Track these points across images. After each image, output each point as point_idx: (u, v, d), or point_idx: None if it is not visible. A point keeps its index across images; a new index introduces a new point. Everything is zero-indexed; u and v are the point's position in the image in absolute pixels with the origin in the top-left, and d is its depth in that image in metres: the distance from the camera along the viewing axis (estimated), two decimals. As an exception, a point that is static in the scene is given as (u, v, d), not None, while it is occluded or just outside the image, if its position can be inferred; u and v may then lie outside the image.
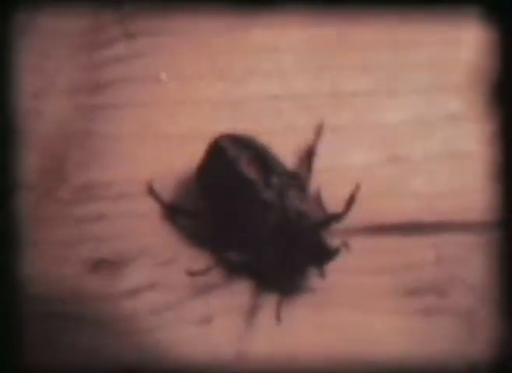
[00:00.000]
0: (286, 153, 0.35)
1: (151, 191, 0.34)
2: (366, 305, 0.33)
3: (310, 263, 0.33)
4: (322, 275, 0.33)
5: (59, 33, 0.36)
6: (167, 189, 0.34)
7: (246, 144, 0.33)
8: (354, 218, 0.34)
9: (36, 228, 0.34)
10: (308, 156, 0.34)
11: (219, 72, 0.36)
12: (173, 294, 0.33)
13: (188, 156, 0.35)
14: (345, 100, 0.36)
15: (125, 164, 0.35)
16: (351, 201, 0.32)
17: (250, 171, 0.33)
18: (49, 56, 0.36)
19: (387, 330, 0.33)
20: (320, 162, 0.35)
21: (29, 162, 0.35)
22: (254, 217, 0.32)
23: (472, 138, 0.35)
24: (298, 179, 0.33)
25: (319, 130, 0.35)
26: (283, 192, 0.33)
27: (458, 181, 0.35)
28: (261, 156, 0.33)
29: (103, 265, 0.34)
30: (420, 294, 0.34)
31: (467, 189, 0.35)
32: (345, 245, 0.33)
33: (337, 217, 0.33)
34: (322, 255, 0.32)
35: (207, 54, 0.36)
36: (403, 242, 0.34)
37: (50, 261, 0.34)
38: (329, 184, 0.34)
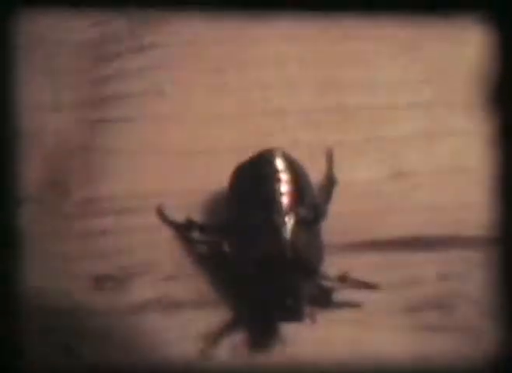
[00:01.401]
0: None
1: (160, 214, 0.34)
2: (368, 321, 0.33)
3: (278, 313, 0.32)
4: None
5: (63, 47, 0.36)
6: (170, 203, 0.34)
7: (289, 164, 0.33)
8: (357, 233, 0.34)
9: (39, 242, 0.34)
10: (328, 183, 0.34)
11: (224, 86, 0.36)
12: (177, 310, 0.33)
13: (190, 170, 0.35)
14: (349, 115, 0.36)
15: (129, 178, 0.35)
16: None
17: (279, 192, 0.32)
18: (52, 70, 0.36)
19: (390, 346, 0.33)
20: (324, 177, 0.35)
21: (33, 176, 0.35)
22: (262, 238, 0.32)
23: (476, 153, 0.35)
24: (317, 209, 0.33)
25: (329, 158, 0.35)
26: (297, 229, 0.32)
27: (462, 196, 0.35)
28: (297, 180, 0.33)
29: (107, 280, 0.34)
30: (423, 309, 0.34)
31: (470, 205, 0.35)
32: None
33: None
34: (285, 313, 0.32)
35: (212, 67, 0.36)
36: (406, 258, 0.34)
37: (54, 276, 0.34)
38: (334, 199, 0.34)
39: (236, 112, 0.36)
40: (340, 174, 0.35)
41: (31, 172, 0.35)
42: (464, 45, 0.36)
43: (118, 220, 0.34)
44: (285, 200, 0.32)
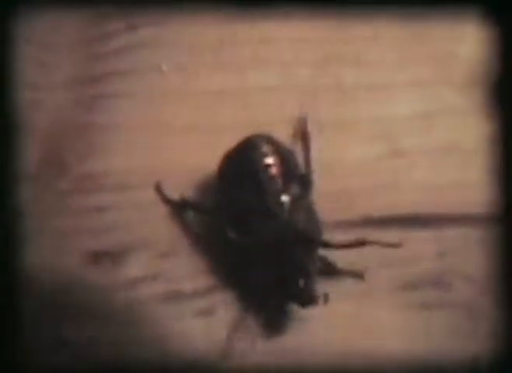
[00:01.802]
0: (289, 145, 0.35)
1: (159, 191, 0.34)
2: (367, 298, 0.33)
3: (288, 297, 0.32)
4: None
5: (59, 25, 0.36)
6: (168, 180, 0.34)
7: (276, 147, 0.33)
8: (355, 211, 0.34)
9: (36, 219, 0.34)
10: (305, 162, 0.34)
11: (220, 63, 0.36)
12: (173, 286, 0.33)
13: (189, 147, 0.35)
14: (346, 93, 0.36)
15: (125, 155, 0.35)
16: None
17: (269, 176, 0.32)
18: (49, 48, 0.36)
19: (388, 323, 0.33)
20: (321, 156, 0.35)
21: (29, 154, 0.34)
22: (259, 222, 0.32)
23: (473, 132, 0.35)
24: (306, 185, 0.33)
25: (305, 135, 0.35)
26: (293, 207, 0.32)
27: (460, 175, 0.35)
28: (284, 162, 0.33)
29: (104, 256, 0.33)
30: (421, 287, 0.34)
31: (468, 183, 0.34)
32: (326, 297, 0.32)
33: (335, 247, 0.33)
34: (300, 299, 0.32)
35: (208, 45, 0.36)
36: (404, 236, 0.34)
37: (50, 252, 0.34)
38: (331, 177, 0.34)
39: (234, 89, 0.35)
40: (337, 152, 0.35)
41: (28, 149, 0.34)
42: (465, 29, 0.36)
43: (115, 196, 0.34)
44: (275, 182, 0.32)
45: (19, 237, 0.33)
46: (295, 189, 0.33)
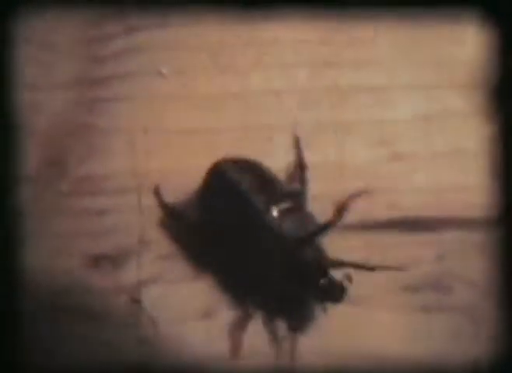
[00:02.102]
0: (287, 148, 0.35)
1: (157, 195, 0.34)
2: (367, 301, 0.33)
3: (313, 298, 0.32)
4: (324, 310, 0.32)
5: (60, 27, 0.36)
6: (168, 183, 0.34)
7: (246, 167, 0.33)
8: (355, 215, 0.34)
9: (35, 221, 0.34)
10: (300, 169, 0.34)
11: (220, 66, 0.36)
12: (173, 288, 0.33)
13: (189, 150, 0.35)
14: (347, 96, 0.36)
15: (125, 158, 0.35)
16: (343, 208, 0.33)
17: (251, 194, 0.32)
18: (50, 49, 0.36)
19: (388, 326, 0.33)
20: (322, 159, 0.35)
21: (29, 155, 0.34)
22: (254, 241, 0.32)
23: (473, 135, 0.35)
24: (296, 197, 0.33)
25: (297, 144, 0.35)
26: (282, 216, 0.32)
27: (460, 178, 0.35)
28: (260, 179, 0.33)
29: (103, 259, 0.33)
30: (422, 290, 0.34)
31: (469, 186, 0.35)
32: (349, 278, 0.32)
33: (329, 224, 0.32)
34: (330, 295, 0.32)
35: (208, 48, 0.36)
36: (404, 239, 0.34)
37: (50, 254, 0.33)
38: (331, 180, 0.34)
39: (235, 92, 0.35)
40: (337, 155, 0.35)
41: (28, 151, 0.34)
42: (465, 31, 0.36)
43: (115, 199, 0.34)
44: (260, 198, 0.32)
45: (18, 238, 0.33)
46: (284, 201, 0.32)
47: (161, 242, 0.34)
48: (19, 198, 0.34)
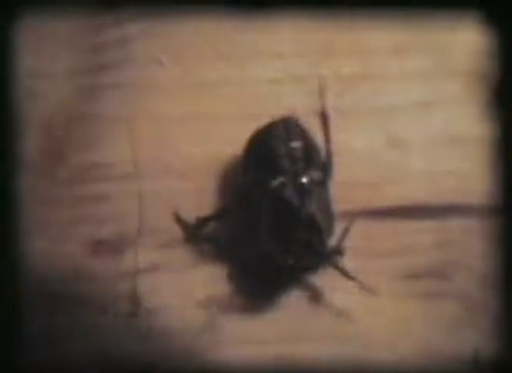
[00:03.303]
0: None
1: (178, 220, 0.34)
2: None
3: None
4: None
5: (60, 15, 0.36)
6: (167, 170, 0.34)
7: (300, 131, 0.33)
8: (355, 202, 0.34)
9: (35, 209, 0.34)
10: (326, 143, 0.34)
11: (219, 55, 0.36)
12: (174, 275, 0.33)
13: (189, 137, 0.35)
14: (346, 84, 0.36)
15: (125, 145, 0.35)
16: (345, 233, 0.33)
17: (291, 159, 0.33)
18: (49, 37, 0.36)
19: (389, 313, 0.33)
20: (321, 147, 0.35)
21: (30, 143, 0.34)
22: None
23: (473, 122, 0.35)
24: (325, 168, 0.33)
25: (324, 120, 0.35)
26: (310, 196, 0.32)
27: (459, 165, 0.35)
28: (307, 146, 0.33)
29: (104, 246, 0.34)
30: (421, 277, 0.34)
31: (468, 174, 0.35)
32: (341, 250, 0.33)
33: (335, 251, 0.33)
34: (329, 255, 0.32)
35: (207, 36, 0.36)
36: (404, 226, 0.34)
37: (50, 241, 0.34)
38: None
39: (234, 81, 0.35)
40: (336, 143, 0.35)
41: (28, 139, 0.34)
42: (463, 19, 0.36)
43: (115, 186, 0.34)
44: (296, 165, 0.33)
45: (17, 226, 0.33)
46: (315, 174, 0.33)
47: (161, 230, 0.34)
48: (19, 186, 0.34)
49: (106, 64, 0.35)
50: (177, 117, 0.35)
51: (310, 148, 0.33)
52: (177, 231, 0.34)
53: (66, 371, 0.33)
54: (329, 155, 0.34)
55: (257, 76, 0.36)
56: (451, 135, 0.35)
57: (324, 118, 0.35)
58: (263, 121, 0.34)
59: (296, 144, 0.33)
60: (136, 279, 0.33)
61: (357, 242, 0.33)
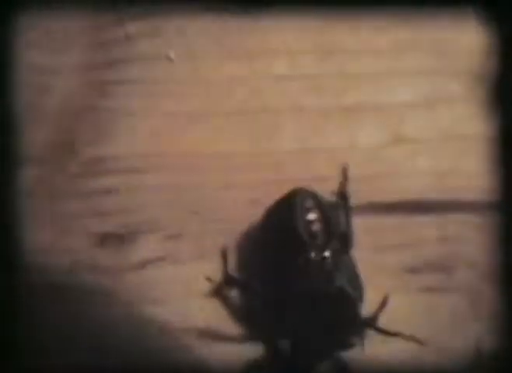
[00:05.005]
0: (292, 133, 0.35)
1: (224, 256, 0.34)
2: (370, 282, 0.34)
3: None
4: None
5: (70, 11, 0.36)
6: (176, 165, 0.35)
7: (318, 202, 0.33)
8: (360, 197, 0.35)
9: (44, 201, 0.34)
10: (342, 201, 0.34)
11: (227, 51, 0.36)
12: (180, 268, 0.34)
13: (197, 133, 0.35)
14: (351, 81, 0.36)
15: (133, 139, 0.35)
16: (382, 307, 0.33)
17: (311, 232, 0.32)
18: (60, 33, 0.36)
19: (391, 307, 0.33)
20: (326, 144, 0.35)
21: (40, 137, 0.35)
22: (299, 277, 0.32)
23: (474, 120, 0.36)
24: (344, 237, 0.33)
25: (344, 194, 0.35)
26: (335, 263, 0.32)
27: (461, 162, 0.35)
28: (326, 218, 0.33)
29: (112, 238, 0.34)
30: (424, 271, 0.34)
31: (470, 170, 0.35)
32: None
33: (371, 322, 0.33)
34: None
35: (215, 33, 0.36)
36: (407, 221, 0.35)
37: (59, 234, 0.34)
38: (334, 164, 0.35)
39: (242, 78, 0.36)
40: (341, 139, 0.35)
41: (37, 132, 0.35)
42: (466, 19, 0.37)
43: (123, 179, 0.35)
44: (317, 238, 0.32)
45: (27, 218, 0.34)
46: (336, 244, 0.33)
47: (167, 222, 0.34)
48: (28, 179, 0.34)
49: (116, 60, 0.36)
50: (184, 113, 0.35)
51: (327, 219, 0.33)
52: (184, 224, 0.34)
53: (70, 362, 0.33)
54: (349, 228, 0.33)
55: (264, 73, 0.36)
56: (453, 133, 0.36)
57: (345, 199, 0.34)
58: (270, 118, 0.34)
59: (313, 216, 0.32)
60: (143, 270, 0.34)
61: (361, 237, 0.34)
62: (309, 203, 0.33)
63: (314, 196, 0.33)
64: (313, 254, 0.32)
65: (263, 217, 0.33)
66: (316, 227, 0.32)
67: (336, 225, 0.33)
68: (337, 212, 0.34)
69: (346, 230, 0.33)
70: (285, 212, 0.33)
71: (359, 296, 0.32)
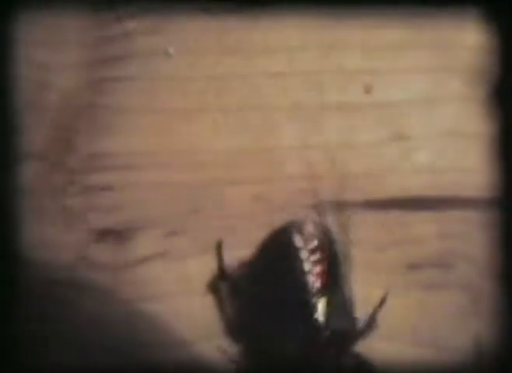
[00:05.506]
0: (291, 129, 0.35)
1: (218, 249, 0.34)
2: (369, 279, 0.34)
3: None
4: None
5: (69, 9, 0.36)
6: (174, 162, 0.35)
7: (321, 243, 0.33)
8: (359, 194, 0.35)
9: (44, 197, 0.34)
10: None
11: (226, 48, 0.36)
12: (180, 264, 0.34)
13: (195, 130, 0.35)
14: (350, 78, 0.36)
15: (133, 136, 0.35)
16: (381, 304, 0.33)
17: (305, 274, 0.32)
18: (59, 30, 0.36)
19: (391, 303, 0.33)
20: (325, 140, 0.35)
21: (39, 133, 0.35)
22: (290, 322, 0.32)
23: (475, 117, 0.36)
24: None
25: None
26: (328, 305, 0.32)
27: (460, 159, 0.35)
28: (329, 260, 0.32)
29: (110, 234, 0.34)
30: (423, 268, 0.34)
31: (469, 167, 0.35)
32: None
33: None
34: None
35: (215, 30, 0.36)
36: (407, 217, 0.35)
37: (58, 230, 0.34)
38: (335, 161, 0.35)
39: (241, 74, 0.36)
40: (341, 136, 0.35)
41: (37, 128, 0.35)
42: (467, 17, 0.37)
43: (122, 176, 0.35)
44: (313, 281, 0.32)
45: (27, 214, 0.34)
46: (336, 298, 0.32)
47: (168, 218, 0.34)
48: (27, 174, 0.34)
49: (115, 57, 0.36)
50: (183, 109, 0.35)
51: (326, 259, 0.32)
52: (183, 220, 0.34)
53: (69, 361, 0.33)
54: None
55: (263, 70, 0.36)
56: (453, 130, 0.36)
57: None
58: (268, 114, 0.34)
59: (307, 255, 0.32)
60: (142, 267, 0.34)
61: (360, 233, 0.34)
62: (303, 240, 0.32)
63: (308, 227, 0.33)
64: (307, 296, 0.32)
65: (258, 248, 0.33)
66: (311, 267, 0.32)
67: (338, 274, 0.33)
68: (339, 259, 0.33)
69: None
70: (277, 251, 0.32)
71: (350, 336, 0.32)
